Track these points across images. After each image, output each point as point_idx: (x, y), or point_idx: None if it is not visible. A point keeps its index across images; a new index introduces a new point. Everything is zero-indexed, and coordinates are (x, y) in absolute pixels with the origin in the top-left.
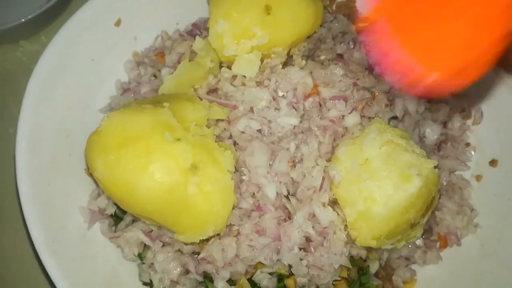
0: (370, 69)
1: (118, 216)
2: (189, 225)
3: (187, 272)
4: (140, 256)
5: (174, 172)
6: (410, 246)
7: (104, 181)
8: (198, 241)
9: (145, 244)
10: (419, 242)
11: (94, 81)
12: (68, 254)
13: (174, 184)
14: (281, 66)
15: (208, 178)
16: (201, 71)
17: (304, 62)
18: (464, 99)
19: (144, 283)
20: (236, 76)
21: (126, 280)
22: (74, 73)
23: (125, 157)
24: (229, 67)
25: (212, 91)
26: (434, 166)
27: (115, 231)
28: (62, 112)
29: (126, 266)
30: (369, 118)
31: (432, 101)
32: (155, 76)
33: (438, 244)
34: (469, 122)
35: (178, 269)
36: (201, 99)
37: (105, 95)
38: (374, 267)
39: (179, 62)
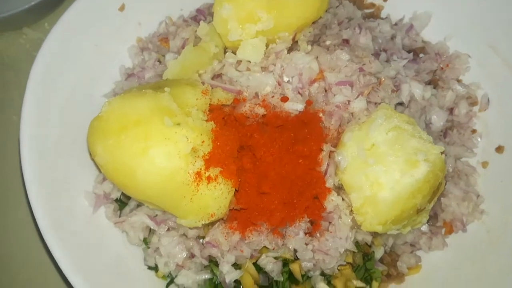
0: (376, 54)
1: (123, 201)
2: (191, 209)
3: (192, 256)
4: (145, 240)
5: (174, 157)
6: (415, 232)
7: (105, 165)
8: (200, 226)
9: (150, 229)
10: (424, 228)
11: (98, 66)
12: (73, 238)
13: (175, 168)
14: (286, 51)
15: (209, 163)
16: (205, 57)
17: (309, 47)
18: (471, 86)
19: (150, 267)
20: (241, 61)
21: (131, 264)
22: (77, 58)
23: (125, 142)
24: (234, 52)
25: (217, 76)
26: (441, 152)
27: (120, 216)
28: (66, 97)
29: (131, 250)
30: (375, 103)
31: (438, 87)
32: (159, 61)
33: (443, 230)
34: (475, 108)
35: (184, 253)
36: (203, 84)
37: (109, 81)
38: (379, 252)
39: (183, 47)
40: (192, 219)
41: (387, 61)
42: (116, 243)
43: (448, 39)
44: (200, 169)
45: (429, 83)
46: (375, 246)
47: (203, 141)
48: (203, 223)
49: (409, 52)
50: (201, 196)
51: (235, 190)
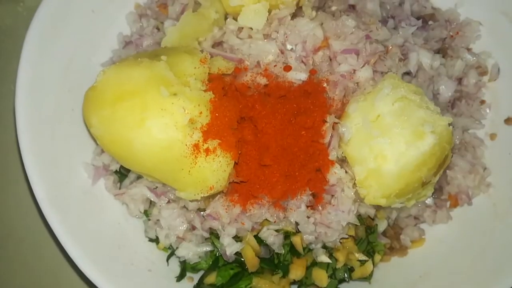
0: (383, 21)
1: (123, 173)
2: (189, 182)
3: (193, 228)
4: (146, 212)
5: (170, 128)
6: (419, 205)
7: (101, 137)
8: (199, 198)
9: (150, 201)
10: (429, 201)
11: (95, 33)
12: (72, 210)
13: (172, 140)
14: (289, 18)
15: (207, 135)
16: (205, 23)
17: (314, 13)
18: (481, 55)
19: (150, 240)
20: (242, 28)
21: (131, 237)
22: (74, 25)
23: (121, 113)
24: (235, 19)
25: (217, 44)
26: (449, 124)
27: (119, 188)
28: (63, 65)
29: (132, 222)
30: (382, 73)
31: (447, 56)
32: (158, 28)
33: (448, 203)
34: (485, 78)
35: (184, 226)
36: (202, 52)
37: (107, 49)
38: (382, 226)
39: (182, 13)
40: (191, 191)
41: (395, 28)
42: (116, 216)
43: (459, 6)
44: (198, 141)
45: (437, 51)
46: (378, 219)
47: (200, 112)
48: (202, 196)
49: (418, 19)
50: (200, 169)
51: (235, 162)
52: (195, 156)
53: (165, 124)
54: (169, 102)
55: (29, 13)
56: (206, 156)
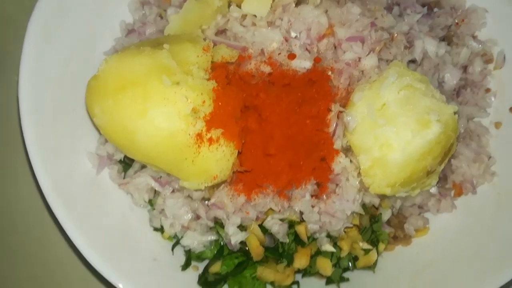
0: (389, 8)
1: (127, 162)
2: (193, 172)
3: (197, 217)
4: (151, 202)
5: (173, 117)
6: (424, 194)
7: (104, 127)
8: (203, 188)
9: (155, 190)
10: (433, 190)
11: (97, 22)
12: (77, 200)
13: (175, 130)
14: (294, 5)
15: (210, 124)
16: (208, 10)
17: (318, 0)
18: (487, 42)
19: (155, 229)
20: (246, 15)
21: (136, 226)
22: (76, 14)
23: (123, 102)
24: (239, 6)
25: (221, 32)
26: (454, 112)
27: (124, 177)
28: (66, 54)
29: (137, 212)
30: (387, 61)
31: (453, 44)
32: (161, 16)
33: (452, 192)
34: (490, 66)
35: (189, 215)
36: (205, 40)
37: (109, 37)
38: (386, 215)
39: (185, 1)
40: (194, 181)
41: (400, 15)
42: (121, 205)
43: None
44: (201, 130)
45: (443, 39)
46: (382, 208)
47: (203, 101)
48: (205, 185)
49: (423, 6)
50: (203, 158)
51: (238, 152)
52: (198, 145)
53: (168, 113)
54: (171, 91)
55: (30, 1)
56: (209, 146)
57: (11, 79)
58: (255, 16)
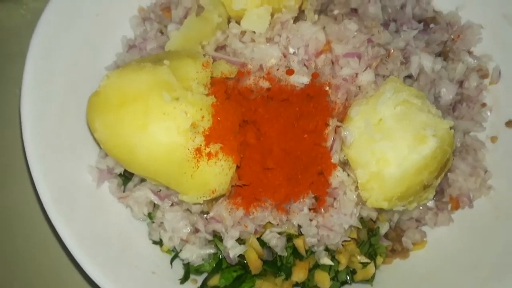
0: (385, 24)
1: (127, 176)
2: (192, 186)
3: (196, 231)
4: (150, 215)
5: (173, 133)
6: (421, 207)
7: (105, 142)
8: (202, 202)
9: (154, 204)
10: (430, 204)
11: (99, 37)
12: (77, 213)
13: (174, 144)
14: (292, 21)
15: (209, 139)
16: (208, 27)
17: (316, 17)
18: (483, 58)
19: (154, 242)
20: (245, 32)
21: (135, 239)
22: (78, 29)
23: (124, 118)
24: (238, 22)
25: (220, 47)
26: (450, 127)
27: (124, 191)
28: (68, 69)
29: (136, 225)
30: (384, 76)
31: (449, 59)
32: (161, 32)
33: (449, 206)
34: (486, 81)
35: (188, 228)
36: (205, 56)
37: (111, 52)
38: (384, 228)
39: (186, 17)
40: (193, 195)
41: (397, 31)
42: (120, 218)
43: (460, 9)
44: (200, 145)
45: (439, 54)
46: (380, 221)
47: (203, 116)
48: (204, 199)
49: (419, 22)
50: (202, 173)
51: (237, 166)
52: (197, 160)
53: (168, 128)
54: (171, 106)
55: (33, 15)
56: (208, 160)
57: (14, 93)
58: (254, 32)
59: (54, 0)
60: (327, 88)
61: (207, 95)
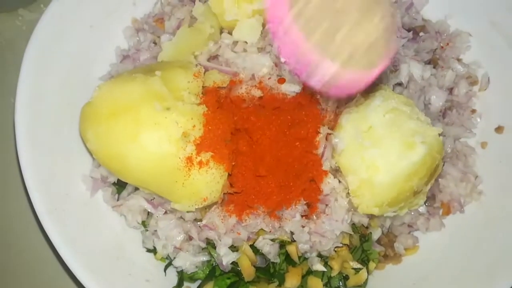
0: None
1: (121, 185)
2: (184, 194)
3: (190, 238)
4: (144, 223)
5: (164, 142)
6: (412, 213)
7: (97, 152)
8: (194, 210)
9: (148, 212)
10: (422, 209)
11: (93, 48)
12: (71, 222)
13: (165, 154)
14: None
15: (200, 148)
16: (201, 37)
17: None
18: (472, 65)
19: (148, 250)
20: (237, 42)
21: (129, 247)
22: (72, 40)
23: (116, 128)
24: (230, 33)
25: (213, 57)
26: (439, 134)
27: (117, 199)
28: (62, 79)
29: (130, 233)
30: (374, 84)
31: (438, 67)
32: (155, 43)
33: (441, 211)
34: (475, 88)
35: (181, 236)
36: (196, 66)
37: (105, 63)
38: (376, 234)
39: (178, 28)
40: (185, 203)
41: None
42: (114, 227)
43: (449, 17)
44: (191, 154)
45: (428, 62)
46: (372, 227)
47: (194, 126)
48: (196, 207)
49: (409, 30)
50: (193, 181)
51: (228, 174)
52: (189, 168)
53: (159, 138)
54: (162, 116)
55: (28, 27)
56: (199, 169)
57: (8, 102)
58: (246, 42)
59: (49, 11)
60: (318, 96)
61: (198, 104)
